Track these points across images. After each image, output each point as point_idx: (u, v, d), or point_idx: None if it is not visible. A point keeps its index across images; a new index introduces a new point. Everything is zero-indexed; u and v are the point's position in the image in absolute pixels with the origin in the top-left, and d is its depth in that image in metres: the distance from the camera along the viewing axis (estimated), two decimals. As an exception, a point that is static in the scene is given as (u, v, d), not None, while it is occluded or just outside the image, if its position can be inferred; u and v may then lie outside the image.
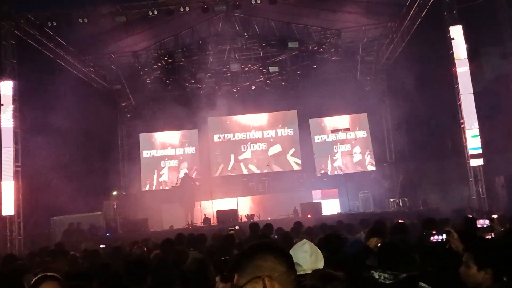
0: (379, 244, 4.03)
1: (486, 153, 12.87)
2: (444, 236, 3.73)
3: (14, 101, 13.47)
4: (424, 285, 3.01)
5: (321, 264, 3.54)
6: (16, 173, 13.32)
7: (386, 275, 3.49)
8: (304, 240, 3.86)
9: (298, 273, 3.31)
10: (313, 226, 9.08)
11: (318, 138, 20.53)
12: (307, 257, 3.53)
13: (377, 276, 3.51)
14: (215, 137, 20.82)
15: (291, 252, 3.66)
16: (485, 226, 4.77)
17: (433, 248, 3.91)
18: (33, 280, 3.26)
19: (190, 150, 20.87)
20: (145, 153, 20.69)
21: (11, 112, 13.38)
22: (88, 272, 4.32)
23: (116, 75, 18.75)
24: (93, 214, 16.14)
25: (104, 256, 7.86)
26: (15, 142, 13.37)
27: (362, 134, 20.32)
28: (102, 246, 9.93)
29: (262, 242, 1.92)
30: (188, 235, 8.27)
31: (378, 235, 4.69)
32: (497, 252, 3.06)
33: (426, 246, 3.94)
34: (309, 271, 3.38)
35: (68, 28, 14.63)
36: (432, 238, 3.75)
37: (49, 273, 3.33)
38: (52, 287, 3.28)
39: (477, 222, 5.01)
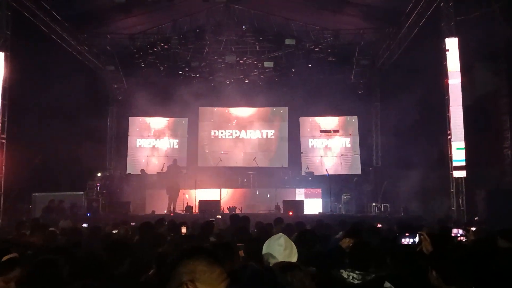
0: (350, 245, 4.09)
1: (469, 166, 13.01)
2: (417, 239, 3.80)
3: (4, 72, 13.31)
4: (389, 285, 3.08)
5: (294, 258, 3.60)
6: (0, 145, 13.19)
7: (355, 275, 3.56)
8: (280, 234, 3.92)
9: (271, 265, 3.37)
10: (293, 223, 9.16)
11: (307, 137, 20.63)
12: (281, 250, 3.59)
13: (345, 276, 3.58)
14: (204, 127, 20.85)
15: (266, 244, 3.73)
16: (458, 235, 4.86)
17: (403, 250, 3.98)
18: None
19: (178, 138, 20.88)
20: (133, 137, 20.65)
21: (1, 83, 13.22)
22: (64, 247, 4.33)
23: (110, 56, 18.63)
24: (76, 194, 16.12)
25: (84, 234, 7.86)
26: (2, 114, 13.22)
27: (351, 137, 20.47)
28: (84, 225, 9.92)
29: (182, 250, 2.03)
30: (169, 221, 8.31)
31: (354, 237, 4.76)
32: (463, 270, 3.12)
33: (397, 247, 4.01)
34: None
35: (65, 4, 14.51)
36: (403, 240, 3.82)
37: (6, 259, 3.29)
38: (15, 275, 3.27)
39: (452, 231, 5.10)
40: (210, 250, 2.02)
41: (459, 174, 12.78)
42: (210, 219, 8.87)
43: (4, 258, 3.29)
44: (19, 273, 3.29)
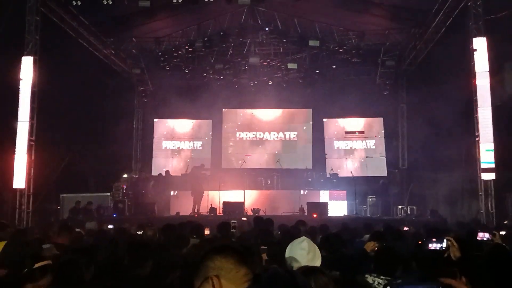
0: (375, 249, 4.02)
1: (499, 169, 12.70)
2: (444, 244, 3.71)
3: (33, 76, 13.63)
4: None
5: (318, 262, 3.56)
6: (29, 147, 13.50)
7: (380, 280, 3.50)
8: (303, 237, 3.88)
9: (294, 269, 3.33)
10: (317, 225, 9.09)
11: (331, 139, 20.47)
12: (304, 254, 3.56)
13: (370, 281, 3.52)
14: (228, 129, 20.90)
15: (289, 248, 3.70)
16: (484, 239, 4.72)
17: (430, 256, 3.90)
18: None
19: (202, 140, 20.98)
20: (159, 139, 20.86)
21: (30, 87, 13.54)
22: (89, 247, 4.37)
23: (136, 60, 18.88)
24: (102, 195, 16.37)
25: (109, 236, 7.94)
26: (31, 117, 13.55)
27: (376, 138, 20.21)
28: (110, 226, 10.05)
29: (214, 246, 2.05)
30: (192, 223, 8.33)
31: (379, 240, 4.68)
32: (493, 276, 3.04)
33: (423, 253, 3.92)
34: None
35: (92, 8, 14.75)
36: (430, 245, 3.73)
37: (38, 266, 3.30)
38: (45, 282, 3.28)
39: (477, 235, 4.97)
40: (240, 250, 2.01)
41: (488, 176, 12.49)
42: (232, 221, 8.84)
43: (37, 265, 3.30)
44: (50, 280, 3.30)
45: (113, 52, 18.34)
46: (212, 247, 2.04)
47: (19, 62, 13.59)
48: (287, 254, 3.62)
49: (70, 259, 3.53)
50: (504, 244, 4.49)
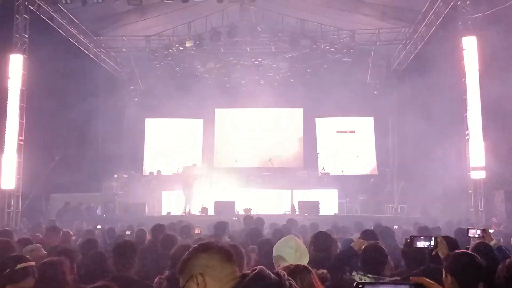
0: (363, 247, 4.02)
1: (489, 167, 12.78)
2: (432, 242, 3.71)
3: (22, 75, 13.51)
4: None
5: (305, 261, 3.55)
6: (19, 147, 13.38)
7: (367, 279, 3.50)
8: (291, 236, 3.88)
9: (282, 267, 3.32)
10: (308, 224, 9.10)
11: (323, 138, 20.51)
12: (292, 252, 3.55)
13: (357, 279, 3.51)
14: (220, 128, 20.87)
15: (276, 246, 3.69)
16: (476, 236, 4.74)
17: (418, 253, 3.90)
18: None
19: (194, 139, 20.94)
20: (150, 138, 20.78)
21: (19, 86, 13.42)
22: (72, 248, 4.33)
23: (126, 58, 18.80)
24: (92, 195, 16.26)
25: (98, 236, 7.90)
26: (20, 116, 13.42)
27: (367, 137, 20.28)
28: (99, 226, 9.98)
29: (199, 243, 2.04)
30: (182, 223, 8.30)
31: (368, 238, 4.67)
32: (479, 275, 3.05)
33: (412, 250, 3.93)
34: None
35: (82, 7, 14.63)
36: (418, 243, 3.74)
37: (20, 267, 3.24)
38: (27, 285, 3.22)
39: (469, 232, 4.99)
40: (226, 248, 2.00)
41: (478, 175, 12.57)
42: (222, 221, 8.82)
43: (18, 266, 3.24)
44: (32, 282, 3.23)
45: (103, 50, 18.23)
46: (198, 245, 2.02)
47: (8, 60, 13.46)
48: (274, 252, 3.61)
49: (52, 260, 3.48)
50: (487, 241, 4.53)
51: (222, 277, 1.90)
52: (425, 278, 1.99)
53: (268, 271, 1.96)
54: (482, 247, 4.13)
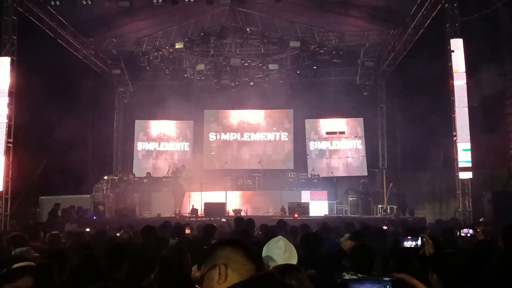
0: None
1: (476, 168, 12.94)
2: (419, 242, 3.79)
3: (11, 77, 13.42)
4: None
5: (294, 261, 3.58)
6: (7, 149, 13.28)
7: (356, 278, 3.55)
8: (280, 237, 3.91)
9: (271, 268, 3.36)
10: (298, 226, 9.14)
11: (313, 139, 20.61)
12: (281, 253, 3.58)
13: (347, 278, 3.56)
14: (210, 129, 20.90)
15: (265, 247, 3.73)
16: (468, 235, 4.85)
17: (405, 253, 3.97)
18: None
19: (184, 140, 20.94)
20: (140, 140, 20.74)
21: (7, 88, 13.33)
22: (64, 251, 4.33)
23: (116, 60, 18.74)
24: (82, 197, 16.17)
25: (88, 238, 7.88)
26: (9, 119, 13.34)
27: (356, 138, 20.42)
28: (87, 229, 9.93)
29: (226, 238, 2.18)
30: (174, 224, 8.32)
31: (357, 239, 4.74)
32: (463, 274, 3.11)
33: (399, 250, 4.00)
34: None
35: (71, 8, 14.54)
36: (405, 243, 3.81)
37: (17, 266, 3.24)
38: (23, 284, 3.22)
39: (461, 231, 5.10)
40: (248, 247, 2.16)
41: (465, 175, 12.71)
42: (211, 224, 8.84)
43: (15, 265, 3.24)
44: (30, 282, 3.23)
45: (92, 52, 18.15)
46: (224, 239, 2.23)
47: (-4, 62, 13.37)
48: (264, 253, 3.64)
49: (40, 263, 3.48)
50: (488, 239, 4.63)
51: (242, 272, 2.03)
52: (406, 274, 2.07)
53: (275, 272, 2.08)
54: (484, 246, 4.20)
